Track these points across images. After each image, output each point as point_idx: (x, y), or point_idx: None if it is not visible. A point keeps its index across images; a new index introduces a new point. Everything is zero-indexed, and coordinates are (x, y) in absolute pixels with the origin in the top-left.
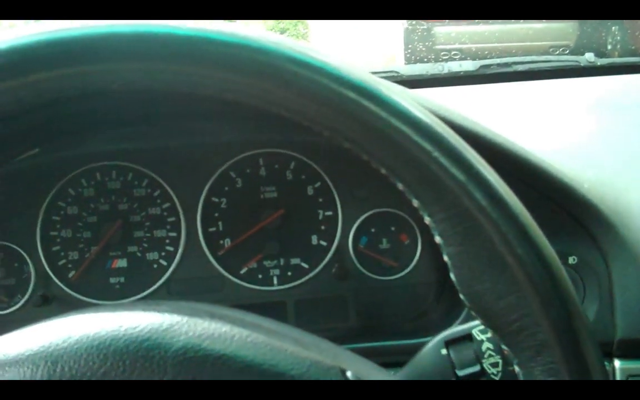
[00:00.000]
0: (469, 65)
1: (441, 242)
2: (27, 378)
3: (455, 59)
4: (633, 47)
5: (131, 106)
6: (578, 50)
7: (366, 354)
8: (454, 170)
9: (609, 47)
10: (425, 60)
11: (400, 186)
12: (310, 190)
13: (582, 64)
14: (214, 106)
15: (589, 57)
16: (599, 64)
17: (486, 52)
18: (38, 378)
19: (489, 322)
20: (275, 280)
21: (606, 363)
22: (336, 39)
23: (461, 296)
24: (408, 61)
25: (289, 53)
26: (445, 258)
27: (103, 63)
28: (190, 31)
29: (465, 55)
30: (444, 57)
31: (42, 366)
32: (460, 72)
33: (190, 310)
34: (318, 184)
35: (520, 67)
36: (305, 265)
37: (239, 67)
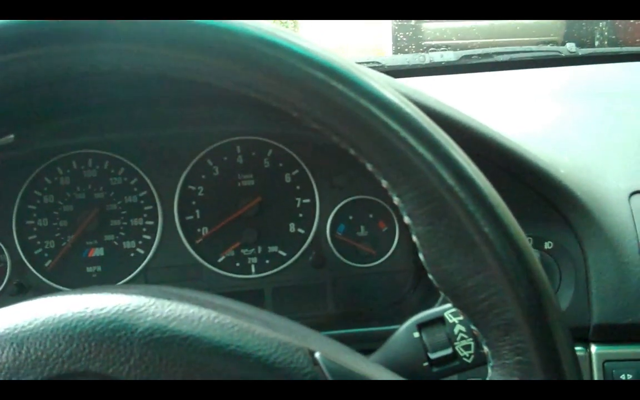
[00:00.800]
0: (450, 56)
1: (410, 222)
2: None
3: None
4: (617, 38)
5: (107, 91)
6: (560, 43)
7: (344, 340)
8: (422, 149)
9: (597, 42)
10: (412, 51)
11: (369, 167)
12: (287, 178)
13: (563, 54)
14: (189, 91)
15: (570, 46)
16: (580, 53)
17: (470, 45)
18: (3, 360)
19: (458, 302)
20: (253, 268)
21: (582, 348)
22: (324, 30)
23: (430, 276)
24: (395, 53)
25: (257, 33)
26: (414, 238)
27: (73, 44)
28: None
29: (450, 48)
30: (431, 50)
31: (7, 348)
32: (442, 62)
33: (159, 292)
34: (296, 172)
35: (501, 58)
36: (283, 253)
37: (207, 48)
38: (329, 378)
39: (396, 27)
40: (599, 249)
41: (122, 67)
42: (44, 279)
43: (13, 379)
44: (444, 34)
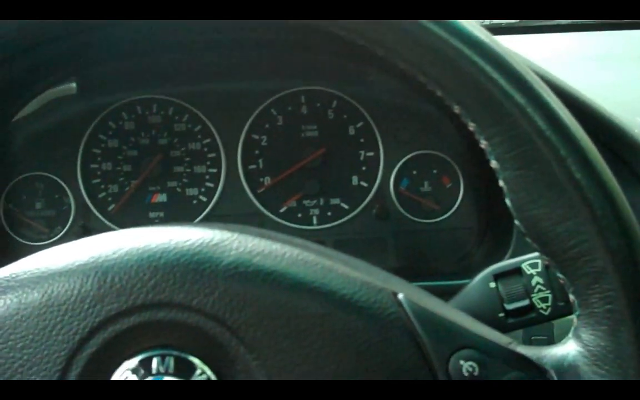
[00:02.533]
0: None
1: (497, 166)
2: (77, 288)
3: None
4: None
5: (172, 36)
6: None
7: None
8: (514, 91)
9: None
10: None
11: (456, 109)
12: (352, 130)
13: None
14: (256, 38)
15: None
16: None
17: None
18: (88, 289)
19: (545, 249)
20: (314, 220)
21: None
22: None
23: (516, 222)
24: None
25: None
26: (501, 183)
27: None
28: None
29: None
30: None
31: (92, 277)
32: (502, 23)
33: (240, 229)
34: (360, 124)
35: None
36: (346, 206)
37: None
38: (412, 317)
39: None
40: None
41: None
42: (107, 223)
43: (97, 307)
44: None
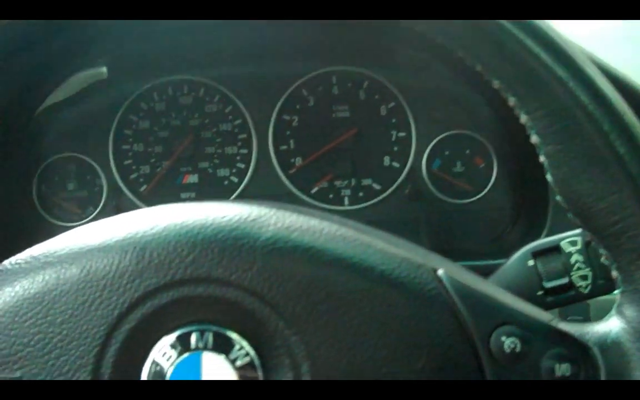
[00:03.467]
0: None
1: (538, 141)
2: (115, 264)
3: None
4: None
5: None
6: None
7: None
8: (556, 65)
9: None
10: None
11: (496, 84)
12: (383, 110)
13: None
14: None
15: None
16: None
17: None
18: (127, 264)
19: (588, 225)
20: (346, 201)
21: None
22: None
23: (558, 198)
24: None
25: None
26: (542, 158)
27: None
28: None
29: None
30: None
31: (130, 252)
32: None
33: (277, 206)
34: (392, 104)
35: None
36: (377, 186)
37: None
38: (452, 294)
39: None
40: None
41: None
42: (139, 203)
43: (136, 282)
44: None
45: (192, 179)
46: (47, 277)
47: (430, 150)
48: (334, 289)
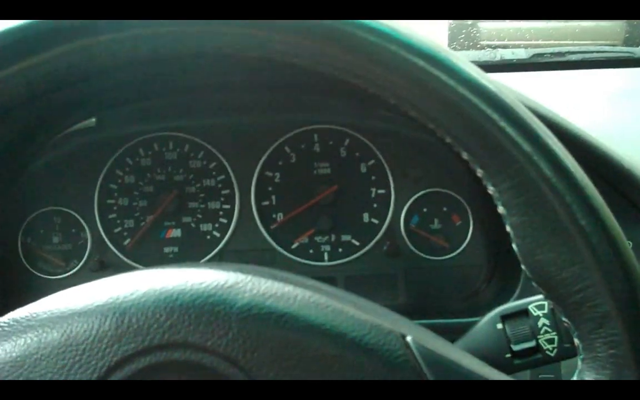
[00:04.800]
0: (521, 53)
1: (504, 211)
2: (95, 328)
3: None
4: None
5: (189, 77)
6: (633, 43)
7: None
8: (520, 139)
9: None
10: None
11: (465, 155)
12: (363, 168)
13: (636, 55)
14: (271, 78)
15: None
16: None
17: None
18: (106, 329)
19: (551, 293)
20: (326, 256)
21: None
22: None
23: (523, 267)
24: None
25: (361, 22)
26: (508, 228)
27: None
28: None
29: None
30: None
31: (110, 317)
32: (513, 59)
33: (253, 271)
34: (372, 162)
35: (573, 57)
36: (357, 242)
37: (308, 32)
38: (420, 360)
39: (453, 25)
40: None
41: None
42: (122, 257)
43: (115, 347)
44: (500, 33)
45: (176, 233)
46: (28, 341)
47: (409, 207)
48: (306, 355)
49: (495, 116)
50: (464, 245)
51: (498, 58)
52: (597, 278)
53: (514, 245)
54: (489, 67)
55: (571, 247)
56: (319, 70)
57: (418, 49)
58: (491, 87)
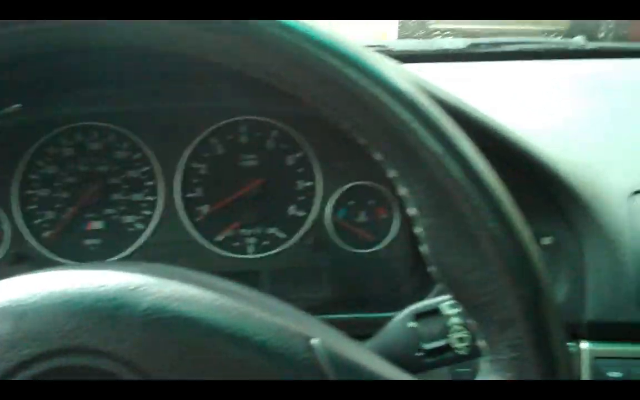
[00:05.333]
0: (459, 43)
1: (415, 213)
2: None
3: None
4: (624, 33)
5: (116, 65)
6: (570, 34)
7: (340, 325)
8: (431, 141)
9: (602, 34)
10: (417, 37)
11: (378, 156)
12: (290, 160)
13: (571, 47)
14: (197, 68)
15: (578, 40)
16: (588, 47)
17: (478, 32)
18: (2, 333)
19: (457, 296)
20: (250, 249)
21: (573, 344)
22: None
23: (430, 268)
24: (400, 38)
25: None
26: (418, 230)
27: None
28: None
29: (457, 34)
30: (436, 35)
31: (8, 320)
32: (450, 49)
33: (162, 271)
34: (298, 154)
35: (509, 48)
36: (282, 235)
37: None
38: (323, 365)
39: None
40: (597, 247)
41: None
42: (42, 250)
43: (11, 352)
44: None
45: (97, 225)
46: None
47: (335, 200)
48: (210, 359)
49: (406, 116)
50: (389, 239)
51: (435, 47)
52: (503, 282)
53: (423, 247)
54: (425, 57)
55: (478, 250)
56: (233, 68)
57: (331, 46)
58: (403, 86)
